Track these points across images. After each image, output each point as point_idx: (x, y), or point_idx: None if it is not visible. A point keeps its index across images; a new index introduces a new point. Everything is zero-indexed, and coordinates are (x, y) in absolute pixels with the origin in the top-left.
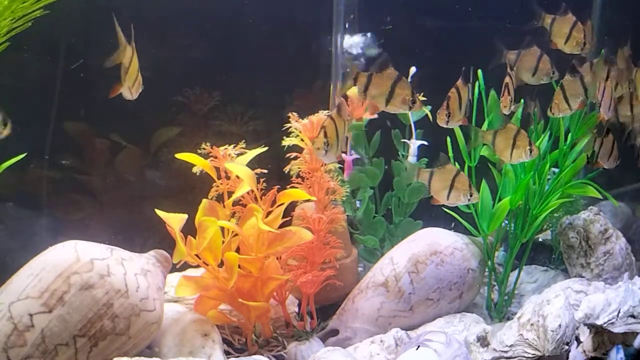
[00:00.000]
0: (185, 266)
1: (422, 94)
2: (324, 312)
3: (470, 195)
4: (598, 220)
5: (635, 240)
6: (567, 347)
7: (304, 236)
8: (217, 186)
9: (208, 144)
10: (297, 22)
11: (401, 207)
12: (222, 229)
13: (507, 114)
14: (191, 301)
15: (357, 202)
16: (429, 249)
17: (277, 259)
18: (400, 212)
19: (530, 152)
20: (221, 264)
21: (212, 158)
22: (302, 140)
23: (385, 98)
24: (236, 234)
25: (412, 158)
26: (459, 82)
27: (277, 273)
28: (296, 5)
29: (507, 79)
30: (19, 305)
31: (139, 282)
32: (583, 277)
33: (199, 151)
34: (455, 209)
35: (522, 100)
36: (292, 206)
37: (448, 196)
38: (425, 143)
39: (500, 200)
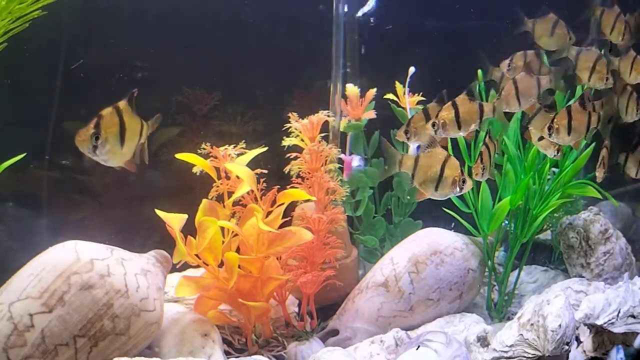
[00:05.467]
0: (185, 266)
1: (421, 93)
2: (324, 312)
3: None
4: (598, 220)
5: (635, 240)
6: (567, 347)
7: (304, 236)
8: (217, 186)
9: (208, 144)
10: (298, 21)
11: (401, 207)
12: (222, 229)
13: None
14: (191, 301)
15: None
16: (429, 249)
17: (277, 259)
18: (400, 212)
19: None
20: (221, 264)
21: (212, 158)
22: (302, 140)
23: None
24: (236, 234)
25: None
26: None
27: (277, 273)
28: (297, 4)
29: (482, 148)
30: (19, 305)
31: (139, 282)
32: (583, 277)
33: (199, 151)
34: (456, 208)
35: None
36: (292, 206)
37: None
38: None
39: (500, 200)
